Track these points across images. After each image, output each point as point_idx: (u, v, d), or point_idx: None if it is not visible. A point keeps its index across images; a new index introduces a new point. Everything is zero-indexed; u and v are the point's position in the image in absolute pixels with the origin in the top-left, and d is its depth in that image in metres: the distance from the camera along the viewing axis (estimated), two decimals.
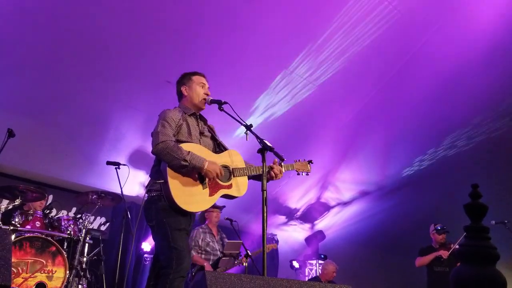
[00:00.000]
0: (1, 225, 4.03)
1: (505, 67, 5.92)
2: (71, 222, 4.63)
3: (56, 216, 4.91)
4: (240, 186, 3.05)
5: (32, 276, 4.04)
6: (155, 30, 5.05)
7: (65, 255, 4.29)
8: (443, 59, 5.97)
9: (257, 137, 2.82)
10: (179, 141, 2.89)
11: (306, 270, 8.75)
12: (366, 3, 5.28)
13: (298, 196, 8.42)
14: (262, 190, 2.68)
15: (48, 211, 4.92)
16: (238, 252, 5.29)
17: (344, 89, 6.36)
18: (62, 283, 4.20)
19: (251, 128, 2.90)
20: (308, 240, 9.03)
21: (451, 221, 5.71)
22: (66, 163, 6.26)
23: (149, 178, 2.97)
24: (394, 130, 7.03)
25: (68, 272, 4.27)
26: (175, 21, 5.03)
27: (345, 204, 8.84)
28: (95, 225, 6.28)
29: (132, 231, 4.99)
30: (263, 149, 2.77)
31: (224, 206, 5.68)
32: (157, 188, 2.82)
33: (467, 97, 6.32)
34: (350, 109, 6.74)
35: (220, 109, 3.02)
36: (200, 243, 5.36)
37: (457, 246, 5.52)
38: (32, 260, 4.10)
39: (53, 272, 4.18)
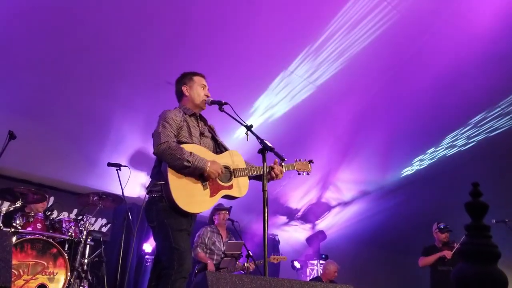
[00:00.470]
0: (2, 227, 4.03)
1: (503, 65, 5.92)
2: (72, 224, 4.63)
3: (57, 218, 4.91)
4: (241, 186, 3.05)
5: (33, 278, 4.04)
6: (155, 31, 5.05)
7: (66, 257, 4.28)
8: (442, 58, 5.97)
9: (257, 137, 2.82)
10: (180, 142, 2.89)
11: (308, 270, 8.75)
12: (365, 4, 5.28)
13: (299, 196, 8.42)
14: (263, 191, 2.68)
15: (49, 213, 4.93)
16: (239, 253, 5.30)
17: (344, 89, 6.35)
18: (64, 285, 4.20)
19: (252, 129, 2.90)
20: (309, 240, 9.02)
21: (451, 219, 5.71)
22: (67, 164, 6.26)
23: (150, 179, 2.97)
24: (394, 130, 7.03)
25: (69, 274, 4.27)
26: (176, 23, 5.03)
27: (345, 204, 8.84)
28: (96, 227, 6.28)
29: (133, 232, 4.98)
30: (264, 150, 2.77)
31: (231, 207, 5.70)
32: (158, 189, 2.81)
33: (467, 97, 6.32)
34: (349, 109, 6.73)
35: (221, 109, 3.01)
36: (206, 241, 5.44)
37: (460, 246, 5.49)
38: (33, 262, 4.09)
39: (55, 274, 4.18)
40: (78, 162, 6.26)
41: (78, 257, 4.54)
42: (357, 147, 7.44)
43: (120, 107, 5.83)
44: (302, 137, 6.83)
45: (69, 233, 4.54)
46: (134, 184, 6.36)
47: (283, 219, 8.92)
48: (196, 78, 3.19)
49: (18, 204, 4.31)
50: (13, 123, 4.73)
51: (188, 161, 2.72)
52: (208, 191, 2.88)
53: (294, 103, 6.45)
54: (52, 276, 4.16)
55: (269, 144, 2.78)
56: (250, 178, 3.13)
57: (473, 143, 7.17)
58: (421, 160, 7.80)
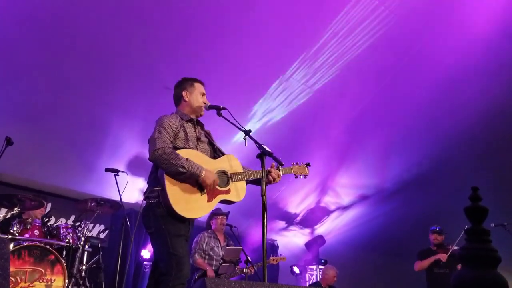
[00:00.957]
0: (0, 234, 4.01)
1: (502, 68, 5.94)
2: (70, 230, 4.60)
3: (55, 224, 4.89)
4: (239, 190, 3.04)
5: (31, 285, 4.01)
6: (153, 37, 5.06)
7: (64, 264, 4.25)
8: (440, 62, 5.99)
9: (255, 142, 2.82)
10: (176, 148, 2.88)
11: (307, 275, 8.72)
12: (362, 8, 5.31)
13: (297, 201, 8.41)
14: (262, 195, 2.67)
15: (46, 219, 4.90)
16: (238, 258, 5.28)
17: (341, 94, 6.38)
18: None
19: (250, 133, 2.89)
20: (308, 245, 9.00)
21: (451, 223, 5.70)
22: (64, 170, 6.24)
23: (147, 185, 2.97)
24: (392, 133, 7.04)
25: (67, 280, 4.24)
26: (174, 28, 5.05)
27: (344, 208, 8.83)
28: (94, 233, 6.26)
29: (131, 238, 4.97)
30: (262, 154, 2.76)
31: (229, 212, 5.69)
32: (155, 195, 2.81)
33: (466, 99, 6.34)
34: (347, 113, 6.75)
35: (219, 114, 3.02)
36: (204, 247, 5.40)
37: (455, 247, 5.50)
38: (31, 269, 4.06)
39: (52, 281, 4.14)
40: (75, 168, 6.25)
41: (76, 264, 4.52)
42: (356, 151, 7.44)
43: (118, 113, 5.83)
44: (300, 141, 6.84)
45: (67, 240, 4.51)
46: (132, 190, 6.34)
47: (282, 224, 8.90)
48: (197, 85, 3.19)
49: (16, 210, 4.28)
50: (10, 129, 4.71)
51: (183, 166, 2.71)
52: (205, 196, 2.87)
53: (292, 107, 6.47)
54: (49, 283, 4.13)
55: (268, 149, 2.78)
56: (247, 182, 3.13)
57: (473, 146, 7.16)
58: (419, 164, 7.79)
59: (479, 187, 1.57)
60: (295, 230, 9.14)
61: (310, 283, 8.36)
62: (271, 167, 3.10)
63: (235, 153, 3.19)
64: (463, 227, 1.57)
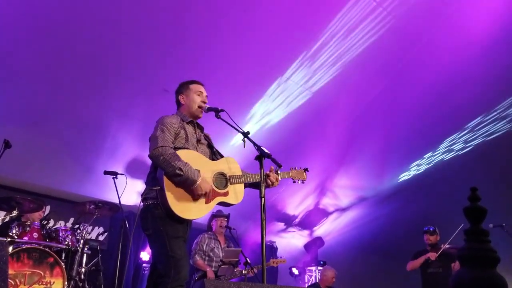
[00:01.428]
0: None
1: (499, 70, 5.95)
2: (69, 233, 4.60)
3: (54, 227, 4.88)
4: (238, 193, 3.05)
5: (30, 287, 4.00)
6: (151, 39, 5.05)
7: (63, 266, 4.25)
8: (438, 63, 6.00)
9: (254, 144, 2.82)
10: (176, 148, 2.88)
11: (306, 276, 8.71)
12: (360, 9, 5.31)
13: (296, 202, 8.41)
14: (260, 197, 2.67)
15: (45, 222, 4.89)
16: (237, 260, 5.28)
17: (340, 95, 6.37)
18: None
19: (248, 135, 2.89)
20: (307, 246, 8.99)
21: (449, 224, 5.70)
22: (63, 173, 6.23)
23: (145, 187, 2.96)
24: (391, 135, 7.04)
25: (66, 283, 4.23)
26: (172, 29, 5.05)
27: (343, 210, 8.82)
28: (93, 235, 6.23)
29: (130, 241, 4.96)
30: (261, 156, 2.77)
31: (229, 214, 5.70)
32: (153, 195, 2.80)
33: (463, 101, 6.35)
34: (346, 115, 6.75)
35: (217, 116, 3.02)
36: (204, 247, 5.43)
37: (447, 246, 5.54)
38: (30, 272, 4.06)
39: (51, 284, 4.14)
40: (74, 171, 6.23)
41: (75, 266, 4.51)
42: (354, 153, 7.45)
43: (117, 115, 5.82)
44: (299, 143, 6.84)
45: (66, 242, 4.51)
46: (131, 192, 6.33)
47: (281, 225, 8.89)
48: (192, 86, 3.21)
49: (14, 213, 4.28)
50: (8, 132, 4.71)
51: (180, 169, 2.71)
52: (203, 197, 2.87)
53: (290, 109, 6.46)
54: (49, 285, 4.12)
55: (266, 151, 2.78)
56: (245, 186, 3.14)
57: (471, 147, 7.18)
58: (418, 165, 7.80)
59: (478, 187, 1.57)
60: (294, 231, 9.14)
61: (309, 284, 8.35)
62: (270, 171, 3.10)
63: (234, 155, 3.19)
64: (463, 228, 1.56)
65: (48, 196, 6.21)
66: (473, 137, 7.07)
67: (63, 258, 4.41)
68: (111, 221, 6.51)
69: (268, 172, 3.09)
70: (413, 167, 7.87)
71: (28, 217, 4.75)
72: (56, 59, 4.98)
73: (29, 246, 4.16)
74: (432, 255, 5.56)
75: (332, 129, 6.89)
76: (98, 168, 5.79)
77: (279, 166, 2.97)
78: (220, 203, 3.00)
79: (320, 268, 8.26)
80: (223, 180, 3.01)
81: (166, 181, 2.75)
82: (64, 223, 6.16)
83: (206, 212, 2.92)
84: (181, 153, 2.82)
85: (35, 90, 5.23)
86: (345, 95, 6.39)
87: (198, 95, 3.18)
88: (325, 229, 9.16)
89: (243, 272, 5.11)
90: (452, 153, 7.40)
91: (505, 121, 6.73)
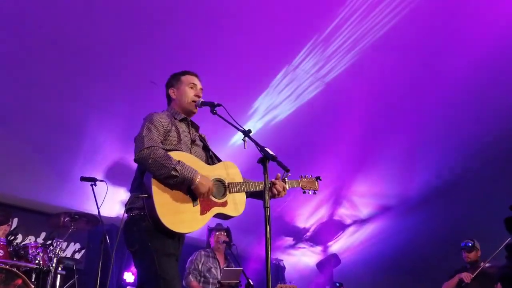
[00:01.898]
0: None
1: None
2: (39, 250, 4.62)
3: (22, 243, 4.91)
4: (238, 203, 3.04)
5: None
6: (135, 23, 5.07)
7: None
8: (477, 50, 5.88)
9: (257, 144, 2.82)
10: (167, 150, 2.88)
11: None
12: None
13: (307, 213, 8.42)
14: (265, 207, 2.67)
15: (12, 237, 4.91)
16: (237, 281, 5.29)
17: (358, 86, 6.37)
18: None
19: (250, 134, 2.90)
20: (320, 265, 8.99)
21: (489, 237, 5.70)
22: (33, 180, 6.26)
23: (130, 194, 2.96)
24: (418, 133, 7.03)
25: None
26: (160, 10, 5.05)
27: (362, 221, 8.82)
28: (68, 253, 6.26)
29: (112, 259, 4.96)
30: (265, 159, 2.75)
31: (228, 228, 5.71)
32: (139, 205, 2.81)
33: (504, 96, 6.33)
34: (365, 109, 6.73)
35: (213, 112, 3.02)
36: (199, 267, 5.42)
37: (487, 265, 5.50)
38: None
39: None
40: (46, 177, 6.26)
41: None
42: (375, 154, 7.44)
43: (96, 112, 5.85)
44: (310, 143, 6.85)
45: (37, 261, 4.53)
46: (113, 202, 6.36)
47: (289, 240, 8.90)
48: (184, 78, 3.22)
49: None
50: None
51: (175, 169, 2.71)
52: (198, 208, 2.87)
53: (299, 103, 6.47)
54: None
55: (271, 152, 2.77)
56: (247, 195, 3.13)
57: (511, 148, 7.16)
58: (451, 168, 7.79)
59: None
60: (305, 248, 9.15)
61: None
62: (276, 178, 3.11)
63: (233, 158, 3.20)
64: (503, 240, 1.57)
65: (15, 206, 6.25)
66: None
67: (33, 280, 4.43)
68: (90, 236, 6.53)
69: (274, 179, 3.09)
70: (445, 170, 7.85)
71: None
72: (23, 47, 5.00)
73: None
74: (467, 276, 5.49)
75: (348, 126, 6.88)
76: (74, 173, 5.82)
77: (287, 170, 2.97)
78: (218, 215, 2.99)
79: None
80: (221, 188, 3.00)
81: (154, 188, 2.75)
82: (34, 238, 6.19)
83: (202, 225, 2.91)
84: (173, 155, 2.82)
85: (2, 85, 5.26)
86: (364, 86, 6.39)
87: (191, 87, 3.18)
88: (342, 244, 9.17)
89: None
90: (491, 154, 7.38)
91: None
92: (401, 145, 7.23)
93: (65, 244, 5.17)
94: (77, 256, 6.42)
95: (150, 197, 2.74)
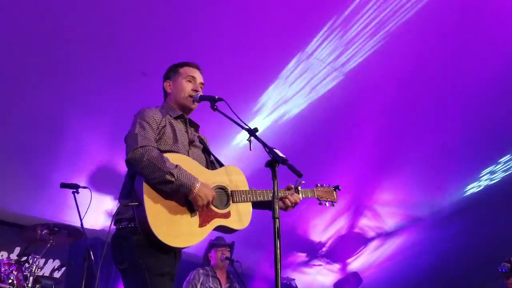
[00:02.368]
0: None
1: None
2: (13, 268, 4.65)
3: None
4: (242, 215, 3.04)
5: None
6: (124, 5, 5.08)
7: None
8: None
9: (264, 145, 2.81)
10: (161, 151, 2.88)
11: None
12: None
13: (323, 225, 8.41)
14: (274, 218, 2.67)
15: None
16: None
17: (382, 78, 6.36)
18: None
19: (256, 133, 2.90)
20: (338, 285, 9.00)
21: None
22: (6, 187, 6.29)
23: (118, 203, 2.97)
24: (451, 132, 7.01)
25: None
26: None
27: (388, 235, 8.82)
28: (46, 271, 6.30)
29: (96, 278, 4.98)
30: (274, 162, 2.75)
31: (233, 243, 5.71)
32: (129, 215, 2.81)
33: None
34: (389, 105, 6.72)
35: (213, 108, 3.02)
36: (198, 287, 5.41)
37: None
38: None
39: None
40: (21, 184, 6.29)
41: None
42: (402, 157, 7.42)
43: (79, 109, 5.87)
44: (326, 144, 6.84)
45: (10, 280, 4.55)
46: (98, 212, 6.39)
47: (302, 257, 8.91)
48: (182, 70, 3.24)
49: None
50: None
51: (171, 174, 2.71)
52: (197, 218, 2.87)
53: (314, 97, 6.46)
54: None
55: (281, 154, 2.76)
56: (253, 206, 3.14)
57: None
58: (491, 173, 7.77)
59: None
60: (321, 265, 9.15)
61: None
62: (288, 189, 3.13)
63: (236, 161, 3.22)
64: None
65: None
66: None
67: None
68: (71, 251, 6.56)
69: (284, 189, 3.11)
70: (484, 175, 7.84)
71: None
72: None
73: None
74: None
75: (370, 123, 6.87)
76: (54, 179, 5.84)
77: (299, 175, 2.97)
78: (219, 228, 2.99)
79: None
80: (223, 196, 3.01)
81: (146, 195, 2.74)
82: (7, 254, 6.22)
83: (201, 239, 2.92)
84: (169, 157, 2.84)
85: None
86: (388, 78, 6.37)
87: (189, 81, 3.20)
88: (363, 261, 9.16)
89: None
90: None
91: None
92: (432, 146, 7.21)
93: (42, 260, 5.19)
94: (57, 274, 6.46)
95: (141, 205, 2.72)
